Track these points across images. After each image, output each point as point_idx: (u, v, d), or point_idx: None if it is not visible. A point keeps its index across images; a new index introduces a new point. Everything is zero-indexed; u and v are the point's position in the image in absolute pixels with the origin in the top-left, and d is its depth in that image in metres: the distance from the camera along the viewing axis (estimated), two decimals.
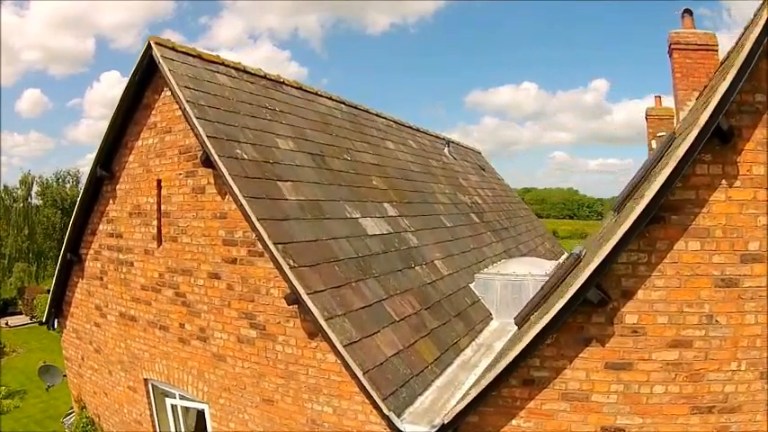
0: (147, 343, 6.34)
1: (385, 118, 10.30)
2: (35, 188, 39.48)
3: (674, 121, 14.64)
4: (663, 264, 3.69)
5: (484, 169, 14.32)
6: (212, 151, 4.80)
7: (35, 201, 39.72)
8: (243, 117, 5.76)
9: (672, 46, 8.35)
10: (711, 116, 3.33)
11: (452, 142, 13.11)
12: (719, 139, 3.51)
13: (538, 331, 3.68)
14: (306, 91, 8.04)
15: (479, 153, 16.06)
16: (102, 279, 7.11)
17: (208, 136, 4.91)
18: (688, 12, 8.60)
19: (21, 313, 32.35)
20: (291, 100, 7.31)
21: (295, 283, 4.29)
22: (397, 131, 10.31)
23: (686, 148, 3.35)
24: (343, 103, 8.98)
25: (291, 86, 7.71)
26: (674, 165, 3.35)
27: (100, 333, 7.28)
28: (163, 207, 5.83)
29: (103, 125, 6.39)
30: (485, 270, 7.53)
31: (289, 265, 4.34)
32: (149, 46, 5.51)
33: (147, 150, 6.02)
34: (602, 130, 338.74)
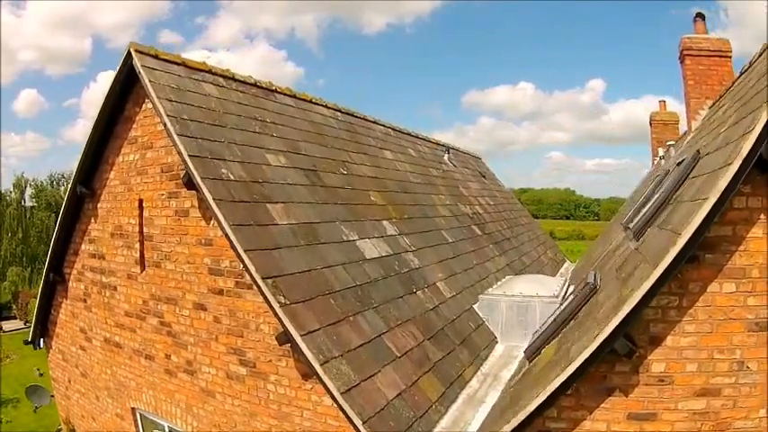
0: (133, 371, 5.96)
1: (383, 125, 9.91)
2: (29, 191, 39.03)
3: (680, 126, 14.32)
4: (695, 307, 3.33)
5: (484, 176, 13.95)
6: (195, 173, 4.40)
7: (29, 202, 39.24)
8: (230, 131, 5.35)
9: (684, 52, 7.99)
10: (755, 145, 2.95)
11: (452, 148, 12.72)
12: (759, 168, 3.14)
13: (557, 385, 3.30)
14: (299, 99, 7.64)
15: (479, 159, 15.68)
16: (85, 301, 6.73)
17: (190, 155, 4.50)
18: (700, 16, 8.23)
19: (15, 318, 31.94)
20: (284, 110, 6.91)
21: (286, 323, 3.90)
22: (396, 139, 9.92)
23: (728, 180, 2.97)
24: (339, 111, 8.59)
25: (284, 94, 7.30)
26: (715, 200, 2.97)
27: (86, 357, 6.91)
28: (145, 230, 5.44)
29: None
30: (489, 290, 7.15)
31: (279, 302, 3.95)
32: (129, 54, 5.10)
33: (128, 167, 5.62)
34: (598, 130, 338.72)
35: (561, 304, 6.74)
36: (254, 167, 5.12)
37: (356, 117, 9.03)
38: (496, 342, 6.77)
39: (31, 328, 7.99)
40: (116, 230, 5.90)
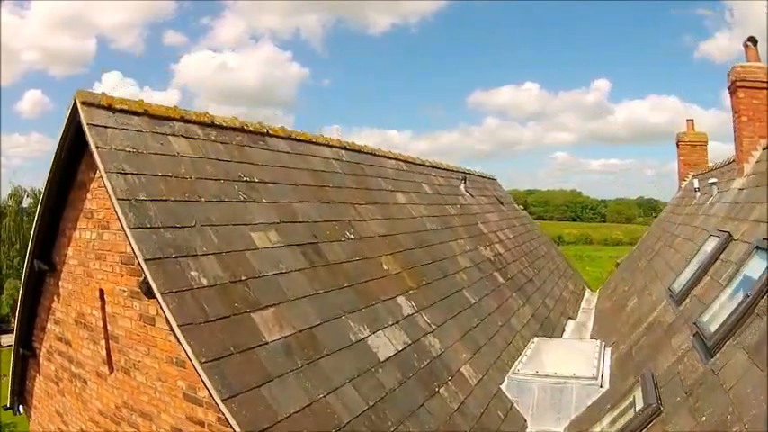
0: None
1: (395, 159, 8.92)
2: (27, 201, 38.22)
3: (707, 148, 13.28)
4: None
5: (501, 202, 12.96)
6: (153, 286, 3.43)
7: (26, 205, 38.40)
8: (205, 206, 4.27)
9: (737, 83, 6.95)
10: None
11: (467, 173, 11.74)
12: None
13: None
14: (296, 140, 6.47)
15: (495, 180, 14.69)
16: (58, 384, 5.86)
17: (147, 259, 3.51)
18: (752, 40, 7.18)
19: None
20: (276, 159, 5.79)
21: None
22: (408, 175, 8.94)
23: None
24: (344, 149, 7.57)
25: (277, 137, 6.16)
26: None
27: None
28: (109, 328, 4.50)
29: None
30: (519, 368, 6.18)
31: None
32: (75, 107, 4.04)
33: (86, 246, 4.66)
34: (603, 131, 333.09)
35: (601, 386, 5.85)
36: (235, 258, 4.10)
37: (364, 153, 8.04)
38: (526, 428, 5.83)
39: (8, 397, 7.28)
40: (79, 318, 4.97)
